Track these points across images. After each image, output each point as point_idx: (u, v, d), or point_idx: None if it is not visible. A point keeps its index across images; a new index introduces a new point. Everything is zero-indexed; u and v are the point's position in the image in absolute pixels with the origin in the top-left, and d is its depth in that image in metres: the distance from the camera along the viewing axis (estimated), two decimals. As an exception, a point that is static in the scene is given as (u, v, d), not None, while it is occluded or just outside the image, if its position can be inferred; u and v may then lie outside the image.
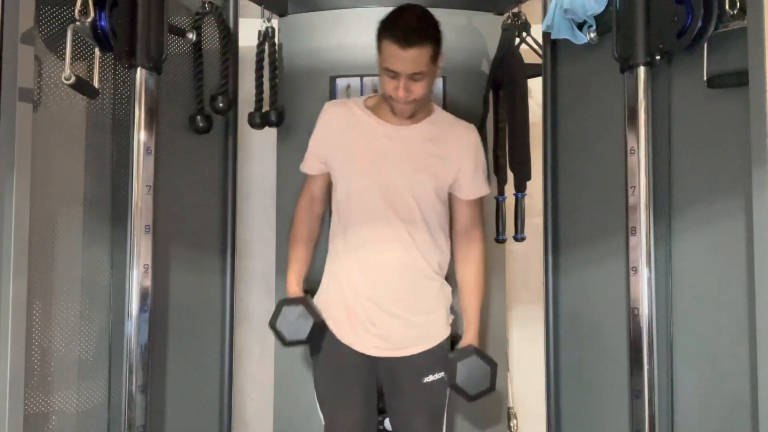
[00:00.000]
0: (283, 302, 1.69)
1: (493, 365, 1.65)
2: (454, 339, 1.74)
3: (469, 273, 1.73)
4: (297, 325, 1.65)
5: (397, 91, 1.53)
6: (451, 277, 1.76)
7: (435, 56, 1.55)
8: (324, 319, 1.69)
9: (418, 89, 1.54)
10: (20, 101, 1.23)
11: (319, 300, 1.73)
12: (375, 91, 1.88)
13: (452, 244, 1.75)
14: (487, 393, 1.64)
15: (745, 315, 1.25)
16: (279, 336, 1.67)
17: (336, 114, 1.70)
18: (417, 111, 1.63)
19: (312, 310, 1.66)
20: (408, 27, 1.50)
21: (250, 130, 2.03)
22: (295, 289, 1.73)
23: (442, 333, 1.70)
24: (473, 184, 1.70)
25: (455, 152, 1.66)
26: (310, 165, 1.75)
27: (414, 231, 1.64)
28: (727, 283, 1.30)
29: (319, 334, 1.69)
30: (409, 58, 1.49)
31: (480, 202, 1.75)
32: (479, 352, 1.66)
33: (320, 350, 1.72)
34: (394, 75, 1.52)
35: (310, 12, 2.02)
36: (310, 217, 1.78)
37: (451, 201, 1.73)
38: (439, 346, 1.68)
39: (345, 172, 1.67)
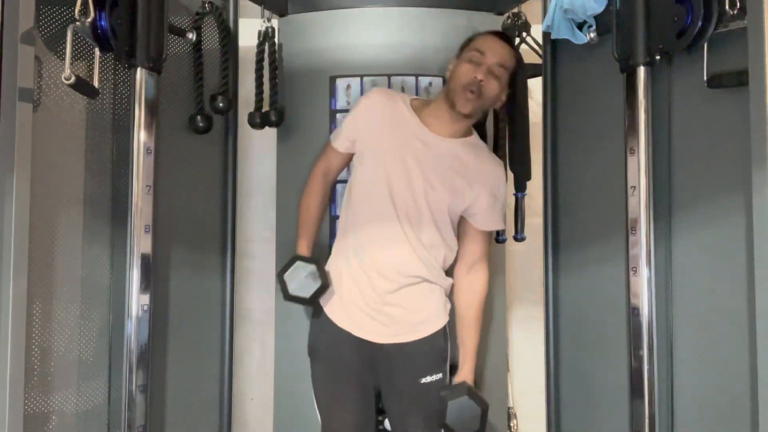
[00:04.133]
0: (298, 257, 1.70)
1: (484, 407, 1.64)
2: (452, 368, 1.74)
3: (472, 307, 1.73)
4: (304, 282, 1.66)
5: (476, 73, 1.59)
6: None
7: (513, 73, 1.68)
8: (331, 286, 1.70)
9: (492, 86, 1.62)
10: (20, 101, 1.23)
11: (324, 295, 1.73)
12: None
13: (456, 275, 1.76)
14: None
15: (745, 315, 1.25)
16: (283, 287, 1.68)
17: (382, 101, 1.71)
18: (474, 114, 1.66)
19: (323, 273, 1.67)
20: (506, 38, 1.71)
21: (250, 130, 2.02)
22: (306, 251, 1.76)
23: (441, 320, 1.70)
24: (489, 215, 1.71)
25: (478, 179, 1.68)
26: (340, 140, 1.76)
27: (423, 234, 1.65)
28: (727, 283, 1.30)
29: (319, 300, 1.70)
30: (501, 48, 1.64)
31: (490, 236, 1.78)
32: (471, 392, 1.65)
33: (318, 347, 1.73)
34: (480, 60, 1.61)
35: (310, 12, 2.02)
36: (323, 185, 1.81)
37: (461, 230, 1.74)
38: (437, 337, 1.69)
39: (370, 160, 1.68)
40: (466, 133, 1.72)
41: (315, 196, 1.80)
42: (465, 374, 1.70)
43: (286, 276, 1.68)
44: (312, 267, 1.68)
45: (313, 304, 1.71)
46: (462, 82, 1.60)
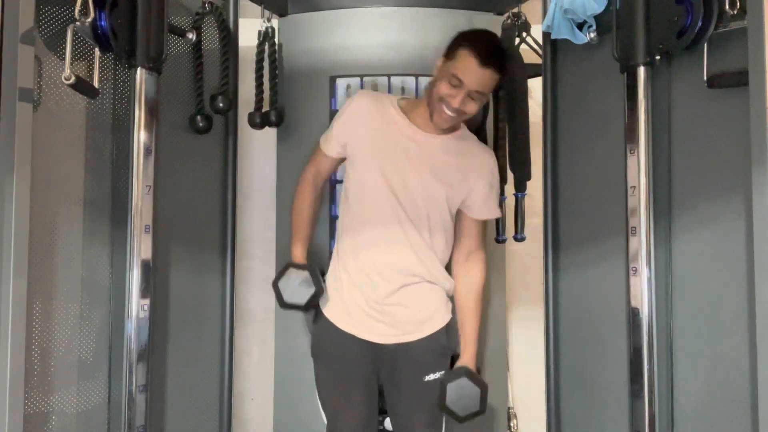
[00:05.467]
0: (291, 264, 1.70)
1: (483, 387, 1.65)
2: (453, 358, 1.74)
3: (471, 295, 1.74)
4: (299, 289, 1.66)
5: (454, 99, 1.56)
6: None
7: (496, 85, 1.63)
8: (326, 291, 1.70)
9: (471, 107, 1.60)
10: (20, 101, 1.23)
11: (323, 298, 1.73)
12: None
13: (454, 264, 1.77)
14: (478, 415, 1.64)
15: (745, 315, 1.25)
16: (278, 296, 1.68)
17: (369, 105, 1.71)
18: (452, 126, 1.67)
19: (316, 279, 1.67)
20: (492, 48, 1.58)
21: (250, 130, 2.02)
22: (300, 257, 1.75)
23: (443, 318, 1.71)
24: (485, 204, 1.73)
25: (473, 171, 1.69)
26: (330, 144, 1.76)
27: (422, 233, 1.65)
28: (727, 283, 1.30)
29: (316, 306, 1.71)
30: (481, 77, 1.55)
31: (485, 226, 1.78)
32: (470, 374, 1.66)
33: (322, 348, 1.73)
34: (459, 85, 1.55)
35: (310, 12, 2.02)
36: (314, 187, 1.81)
37: (458, 221, 1.74)
38: (440, 336, 1.69)
39: (364, 163, 1.68)
40: (455, 128, 1.73)
41: (306, 200, 1.80)
42: (466, 360, 1.71)
43: (281, 284, 1.68)
44: (305, 273, 1.68)
45: (309, 309, 1.71)
46: (440, 98, 1.59)
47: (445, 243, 1.71)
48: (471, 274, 1.75)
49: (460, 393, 1.63)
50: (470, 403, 1.63)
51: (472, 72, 1.54)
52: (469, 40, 1.58)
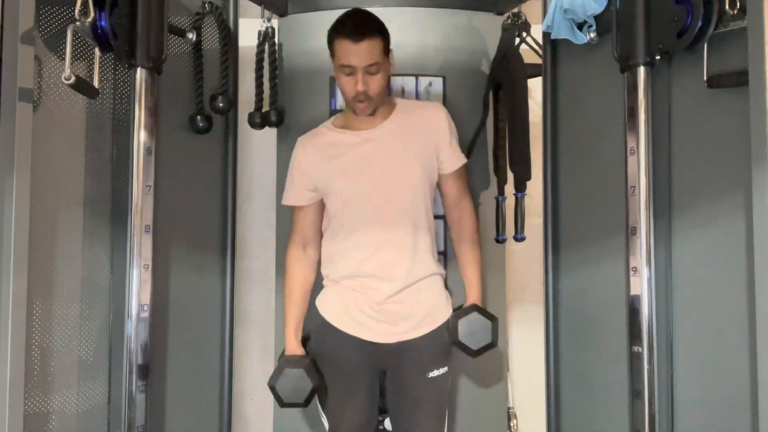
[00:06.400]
0: (285, 363, 1.68)
1: (494, 320, 1.69)
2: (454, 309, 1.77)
3: (465, 242, 1.77)
4: (296, 387, 1.65)
5: (356, 86, 1.58)
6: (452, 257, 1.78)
7: (386, 49, 1.62)
8: (324, 383, 1.69)
9: (375, 84, 1.60)
10: (20, 101, 1.23)
11: (321, 302, 1.73)
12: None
13: (447, 219, 1.81)
14: (490, 348, 1.69)
15: (745, 315, 1.25)
16: (277, 397, 1.67)
17: (312, 142, 1.74)
18: (378, 107, 1.67)
19: (312, 374, 1.66)
20: (357, 23, 1.60)
21: (250, 130, 2.03)
22: (294, 344, 1.73)
23: (444, 314, 1.72)
24: (452, 155, 1.74)
25: (430, 132, 1.71)
26: (299, 195, 1.74)
27: (408, 229, 1.66)
28: (727, 282, 1.30)
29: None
30: (362, 51, 1.56)
31: (462, 172, 1.78)
32: (480, 309, 1.71)
33: (323, 350, 1.72)
34: (351, 71, 1.58)
35: (310, 12, 2.02)
36: (303, 265, 1.76)
37: (440, 184, 1.76)
38: (442, 331, 1.69)
39: (338, 188, 1.68)
40: (392, 106, 1.73)
41: (295, 279, 1.75)
42: (473, 299, 1.75)
43: (278, 386, 1.66)
44: (300, 371, 1.65)
45: (309, 404, 1.68)
46: (349, 96, 1.62)
47: (429, 227, 1.71)
48: (462, 221, 1.77)
49: (471, 327, 1.67)
50: (482, 335, 1.68)
51: (352, 53, 1.57)
52: (335, 29, 1.61)
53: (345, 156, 1.69)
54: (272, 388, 1.67)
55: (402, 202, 1.66)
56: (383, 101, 1.68)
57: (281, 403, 1.67)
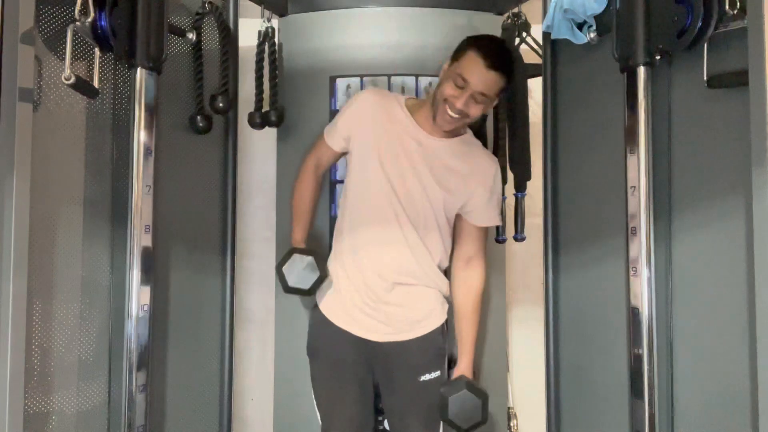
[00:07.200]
0: (295, 250, 1.71)
1: (484, 398, 1.66)
2: (450, 361, 1.75)
3: (469, 301, 1.74)
4: (303, 273, 1.67)
5: (457, 100, 1.56)
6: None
7: (503, 90, 1.63)
8: (329, 276, 1.71)
9: (475, 111, 1.59)
10: (20, 101, 1.23)
11: (320, 295, 1.74)
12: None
13: (453, 270, 1.77)
14: (480, 425, 1.66)
15: (745, 315, 1.25)
16: (282, 280, 1.69)
17: (375, 101, 1.71)
18: (455, 129, 1.66)
19: (321, 264, 1.68)
20: (499, 52, 1.59)
21: (250, 130, 2.02)
22: (301, 242, 1.77)
23: (439, 319, 1.71)
24: (486, 211, 1.72)
25: (475, 176, 1.69)
26: (335, 139, 1.76)
27: (419, 233, 1.66)
28: (727, 283, 1.30)
29: (317, 301, 1.73)
30: (487, 79, 1.55)
31: (486, 232, 1.77)
32: (470, 385, 1.67)
33: (318, 344, 1.73)
34: (464, 86, 1.55)
35: (310, 12, 2.02)
36: (315, 177, 1.82)
37: (458, 226, 1.74)
38: (435, 336, 1.69)
39: (365, 158, 1.68)
40: (460, 132, 1.72)
41: (307, 188, 1.81)
42: (463, 368, 1.71)
43: (285, 269, 1.69)
44: (309, 258, 1.68)
45: (313, 294, 1.71)
46: (444, 98, 1.60)
47: (442, 246, 1.70)
48: (470, 281, 1.74)
49: (461, 405, 1.64)
50: (472, 414, 1.65)
51: (478, 73, 1.54)
52: (477, 42, 1.58)
53: (392, 136, 1.67)
54: (279, 271, 1.69)
55: (419, 209, 1.65)
56: (463, 126, 1.69)
57: (286, 287, 1.69)
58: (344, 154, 1.78)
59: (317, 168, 1.82)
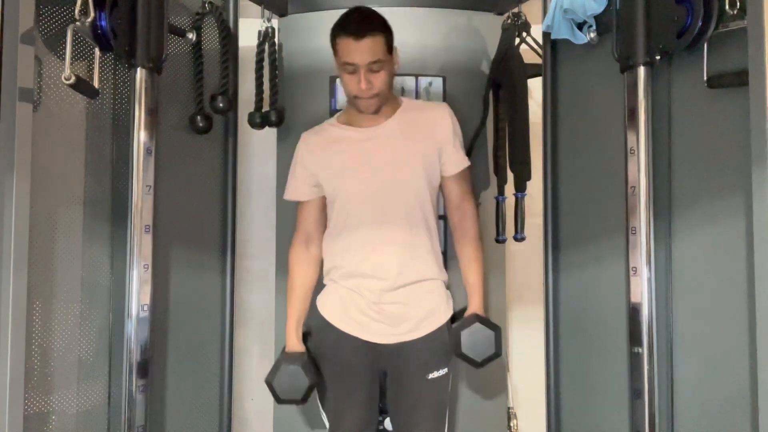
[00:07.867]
0: (282, 360, 1.68)
1: (497, 330, 1.67)
2: (454, 316, 1.75)
3: (467, 245, 1.75)
4: (293, 384, 1.65)
5: (359, 84, 1.57)
6: (452, 258, 1.78)
7: (389, 46, 1.61)
8: (320, 380, 1.69)
9: (379, 81, 1.59)
10: (20, 101, 1.23)
11: (321, 301, 1.73)
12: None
13: (449, 222, 1.78)
14: (494, 358, 1.66)
15: (745, 314, 1.25)
16: (273, 393, 1.67)
17: (315, 138, 1.74)
18: (382, 105, 1.66)
19: (309, 371, 1.66)
20: (359, 20, 1.59)
21: (250, 130, 2.02)
22: (294, 341, 1.73)
23: (444, 315, 1.71)
24: (455, 156, 1.72)
25: (434, 132, 1.69)
26: (299, 190, 1.75)
27: (409, 230, 1.65)
28: (727, 283, 1.30)
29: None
30: (365, 48, 1.55)
31: (466, 175, 1.76)
32: (482, 318, 1.68)
33: (323, 350, 1.72)
34: (354, 69, 1.57)
35: (310, 12, 2.02)
36: (306, 263, 1.76)
37: (442, 186, 1.75)
38: (442, 333, 1.69)
39: (339, 184, 1.68)
40: (397, 105, 1.72)
41: (299, 272, 1.75)
42: (474, 307, 1.72)
43: (275, 382, 1.66)
44: (297, 368, 1.65)
45: (306, 402, 1.68)
46: (352, 95, 1.61)
47: (431, 229, 1.70)
48: (465, 226, 1.75)
49: (474, 338, 1.65)
50: (486, 346, 1.65)
51: (353, 50, 1.56)
52: (338, 26, 1.60)
53: (346, 152, 1.68)
54: (269, 385, 1.67)
55: (401, 201, 1.65)
56: (387, 99, 1.68)
57: (278, 399, 1.67)
58: (324, 203, 1.75)
59: (308, 241, 1.75)
